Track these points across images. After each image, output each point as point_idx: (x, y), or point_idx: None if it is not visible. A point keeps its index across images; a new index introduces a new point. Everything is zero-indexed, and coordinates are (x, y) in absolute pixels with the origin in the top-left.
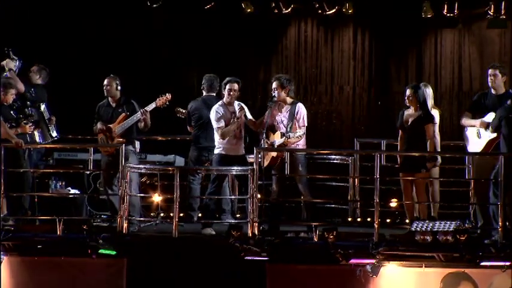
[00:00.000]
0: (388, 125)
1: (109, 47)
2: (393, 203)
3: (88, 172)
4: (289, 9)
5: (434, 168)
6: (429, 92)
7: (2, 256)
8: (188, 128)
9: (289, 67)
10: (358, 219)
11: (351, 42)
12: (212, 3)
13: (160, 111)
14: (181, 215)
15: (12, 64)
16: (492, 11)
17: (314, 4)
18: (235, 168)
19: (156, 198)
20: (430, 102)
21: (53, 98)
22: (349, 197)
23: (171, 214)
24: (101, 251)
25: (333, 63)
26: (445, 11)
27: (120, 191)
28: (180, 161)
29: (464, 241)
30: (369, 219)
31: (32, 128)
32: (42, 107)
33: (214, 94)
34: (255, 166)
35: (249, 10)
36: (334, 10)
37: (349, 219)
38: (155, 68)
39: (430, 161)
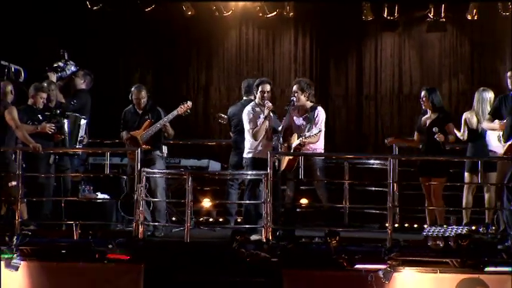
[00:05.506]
0: (327, 128)
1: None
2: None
3: (124, 177)
4: (230, 12)
5: (490, 173)
6: (488, 95)
7: (19, 261)
8: (231, 133)
9: (230, 70)
10: (396, 225)
11: (291, 45)
12: (153, 6)
13: (206, 116)
14: (220, 219)
15: (54, 77)
16: (432, 14)
17: (255, 7)
18: (250, 172)
19: (206, 203)
20: (487, 106)
21: None
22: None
23: (211, 219)
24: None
25: (274, 66)
26: (385, 14)
27: (136, 196)
28: (214, 165)
29: (466, 246)
30: (406, 225)
31: (53, 129)
32: (83, 121)
33: (253, 98)
34: (269, 171)
35: (190, 13)
36: (274, 13)
37: (387, 224)
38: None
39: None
